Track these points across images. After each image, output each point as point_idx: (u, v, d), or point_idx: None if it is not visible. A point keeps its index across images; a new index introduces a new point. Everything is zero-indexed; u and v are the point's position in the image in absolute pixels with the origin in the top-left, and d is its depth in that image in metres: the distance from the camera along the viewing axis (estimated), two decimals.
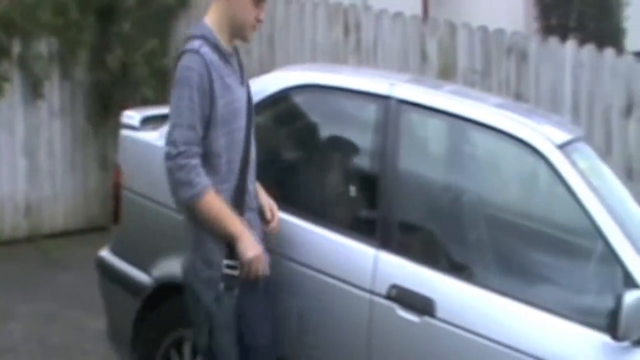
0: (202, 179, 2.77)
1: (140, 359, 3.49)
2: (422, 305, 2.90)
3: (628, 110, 6.39)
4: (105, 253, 3.70)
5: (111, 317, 3.70)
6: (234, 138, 2.86)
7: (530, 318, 2.83)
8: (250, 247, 2.82)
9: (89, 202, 7.46)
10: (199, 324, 2.88)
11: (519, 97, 6.41)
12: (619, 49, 7.38)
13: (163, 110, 3.86)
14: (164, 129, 3.46)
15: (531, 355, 2.75)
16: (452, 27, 6.72)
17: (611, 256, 2.78)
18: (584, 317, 2.78)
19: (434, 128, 3.34)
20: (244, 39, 3.00)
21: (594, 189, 2.90)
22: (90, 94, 7.51)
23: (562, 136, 3.12)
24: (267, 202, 3.05)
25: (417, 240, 3.15)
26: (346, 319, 3.01)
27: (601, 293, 2.88)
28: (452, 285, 2.93)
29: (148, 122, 3.66)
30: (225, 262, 2.81)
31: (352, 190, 3.25)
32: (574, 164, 2.95)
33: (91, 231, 6.98)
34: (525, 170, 3.19)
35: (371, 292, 2.97)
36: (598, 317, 2.73)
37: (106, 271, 3.67)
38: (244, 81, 2.99)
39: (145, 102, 6.98)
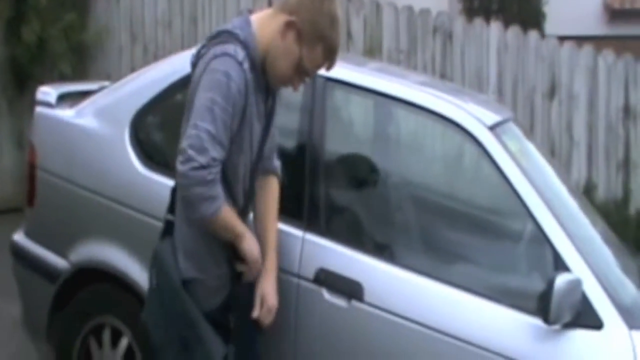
0: (220, 189, 2.51)
1: (57, 348, 3.35)
2: (349, 289, 2.84)
3: (551, 93, 6.50)
4: (19, 237, 3.54)
5: (26, 304, 3.54)
6: (238, 173, 2.62)
7: (458, 301, 2.79)
8: (255, 246, 2.65)
9: (3, 182, 7.18)
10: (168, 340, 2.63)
11: (444, 77, 6.47)
12: (540, 32, 7.54)
13: (81, 86, 3.78)
14: (82, 106, 3.39)
15: (459, 339, 2.72)
16: (377, 6, 6.67)
17: (541, 239, 2.75)
18: (513, 300, 2.75)
19: (361, 107, 3.25)
20: (271, 81, 2.62)
21: (525, 171, 2.87)
22: (4, 69, 7.21)
23: (492, 117, 3.07)
24: (262, 289, 2.71)
25: (344, 222, 3.07)
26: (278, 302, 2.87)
27: (530, 275, 2.86)
28: (380, 269, 2.87)
29: (65, 98, 3.50)
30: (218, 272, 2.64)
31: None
32: (504, 145, 2.91)
33: (5, 212, 6.70)
34: (455, 151, 3.14)
35: (299, 276, 2.90)
36: (527, 299, 2.71)
37: (20, 256, 3.50)
38: (267, 112, 2.65)
39: (62, 78, 6.78)
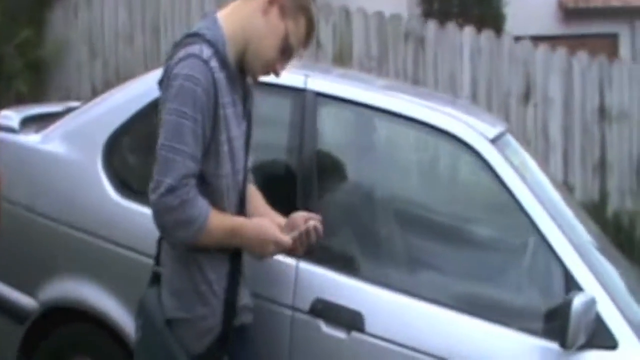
0: (200, 204, 2.33)
1: None
2: (349, 319, 2.69)
3: (526, 97, 6.53)
4: None
5: None
6: (226, 184, 2.42)
7: (466, 327, 2.67)
8: (262, 223, 2.47)
9: None
10: None
11: (416, 83, 6.46)
12: (499, 34, 7.55)
13: (45, 108, 3.58)
14: (49, 130, 3.19)
15: None
16: (346, 13, 6.57)
17: (550, 256, 2.67)
18: (522, 323, 2.66)
19: (354, 122, 3.12)
20: (251, 75, 2.48)
21: (530, 186, 2.77)
22: None
23: (493, 130, 2.97)
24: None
25: (341, 248, 2.93)
26: (267, 340, 2.74)
27: (538, 295, 2.78)
28: (382, 296, 2.73)
29: (28, 122, 3.30)
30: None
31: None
32: (508, 159, 2.81)
33: None
34: (456, 168, 3.07)
35: (293, 308, 2.73)
36: (536, 321, 2.65)
37: None
38: (246, 113, 2.50)
39: (19, 97, 6.55)
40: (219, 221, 2.38)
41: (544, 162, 6.19)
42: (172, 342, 2.40)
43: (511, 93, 6.51)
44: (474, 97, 6.48)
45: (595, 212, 6.49)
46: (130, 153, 3.19)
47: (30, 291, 3.09)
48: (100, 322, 2.94)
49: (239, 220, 2.45)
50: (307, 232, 2.46)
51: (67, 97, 6.29)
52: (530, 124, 6.52)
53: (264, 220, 2.48)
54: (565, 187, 5.43)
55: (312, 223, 2.47)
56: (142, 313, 2.49)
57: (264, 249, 2.44)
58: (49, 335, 3.09)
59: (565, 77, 6.53)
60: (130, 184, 3.03)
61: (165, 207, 2.29)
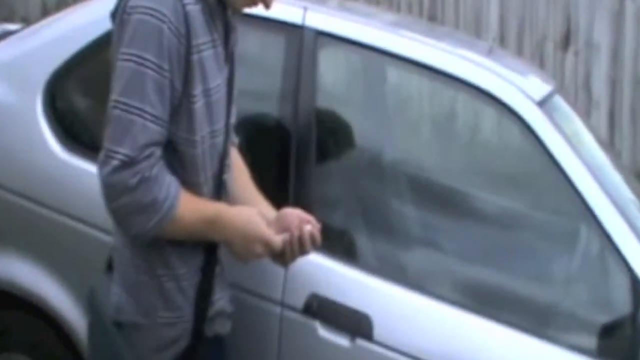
0: (167, 183, 2.24)
1: None
2: (354, 323, 2.68)
3: (565, 41, 6.50)
4: None
5: None
6: (202, 152, 2.35)
7: (500, 340, 2.67)
8: (245, 211, 2.42)
9: None
10: None
11: (433, 20, 6.46)
12: None
13: None
14: None
15: None
16: None
17: (611, 256, 2.65)
18: (570, 337, 2.67)
19: (366, 73, 3.14)
20: (233, 6, 2.40)
21: (587, 163, 2.77)
22: None
23: (540, 89, 2.99)
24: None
25: (344, 229, 2.94)
26: (249, 346, 2.75)
27: (594, 303, 2.79)
28: (396, 296, 2.73)
29: None
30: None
31: None
32: (559, 128, 2.79)
33: None
34: (491, 136, 3.06)
35: (282, 304, 2.73)
36: (590, 336, 2.64)
37: None
38: (228, 56, 2.42)
39: None
40: (192, 207, 2.29)
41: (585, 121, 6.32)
42: (125, 352, 2.35)
43: (547, 36, 6.47)
44: (501, 41, 6.44)
45: None
46: (81, 96, 3.16)
47: None
48: (39, 311, 2.93)
49: (219, 208, 2.37)
50: (300, 239, 2.41)
51: (9, 19, 6.20)
52: (570, 75, 6.50)
53: (252, 211, 2.41)
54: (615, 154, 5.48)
55: (308, 228, 2.41)
56: (90, 309, 2.46)
57: (248, 248, 2.36)
58: None
59: (615, 19, 6.47)
60: (79, 136, 3.00)
61: (118, 187, 2.18)
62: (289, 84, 2.86)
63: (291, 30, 2.87)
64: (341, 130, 3.03)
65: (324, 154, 2.89)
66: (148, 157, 2.19)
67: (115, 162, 2.16)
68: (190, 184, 2.31)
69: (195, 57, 2.25)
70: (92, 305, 2.45)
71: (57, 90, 3.01)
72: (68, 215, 2.87)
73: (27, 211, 2.95)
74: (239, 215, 2.37)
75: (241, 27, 2.53)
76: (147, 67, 2.18)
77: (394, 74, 3.10)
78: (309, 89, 2.84)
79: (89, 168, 2.79)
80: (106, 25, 2.76)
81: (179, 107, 2.26)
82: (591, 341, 2.61)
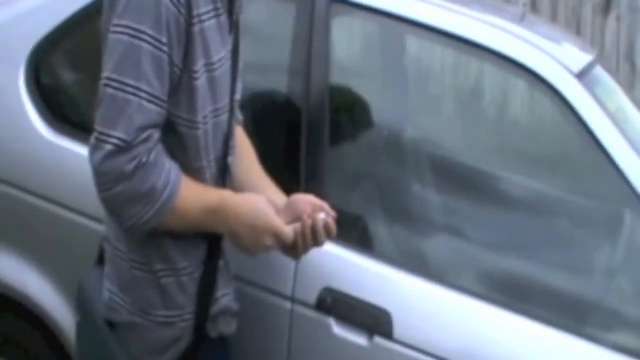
0: (166, 169, 2.20)
1: None
2: (372, 320, 2.66)
3: (606, 6, 6.49)
4: None
5: None
6: (204, 132, 2.30)
7: (535, 339, 2.64)
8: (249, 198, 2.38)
9: None
10: None
11: None
12: None
13: None
14: None
15: None
16: None
17: None
18: (617, 336, 2.66)
19: (386, 44, 3.11)
20: None
21: (632, 143, 2.73)
22: None
23: (578, 59, 2.96)
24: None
25: (360, 217, 2.93)
26: (257, 345, 2.76)
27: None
28: (419, 289, 2.71)
29: None
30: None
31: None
32: (601, 104, 2.76)
33: None
34: (524, 114, 3.11)
35: (293, 299, 2.71)
36: (633, 334, 2.66)
37: None
38: (233, 26, 2.37)
39: None
40: (194, 195, 2.25)
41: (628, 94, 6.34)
42: (118, 354, 2.35)
43: (585, 0, 6.44)
44: (533, 6, 6.44)
45: None
46: (69, 70, 3.15)
47: None
48: (22, 309, 2.94)
49: (223, 196, 2.32)
50: (313, 229, 2.37)
51: None
52: (610, 43, 6.50)
53: (259, 198, 2.37)
54: None
55: (321, 216, 2.37)
56: (79, 305, 2.46)
57: (256, 240, 2.32)
58: None
59: None
60: (67, 114, 2.99)
61: (112, 175, 2.14)
62: (299, 56, 2.85)
63: None
64: (356, 107, 3.02)
65: (337, 134, 2.88)
66: (145, 140, 2.14)
67: (108, 147, 2.12)
68: (191, 169, 2.29)
69: (196, 28, 2.21)
70: (81, 303, 2.44)
71: (41, 64, 3.00)
72: (54, 202, 2.87)
73: (8, 197, 2.95)
74: (245, 203, 2.34)
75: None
76: (142, 40, 2.13)
77: (414, 44, 3.11)
78: (321, 61, 2.82)
79: (78, 150, 2.80)
80: None
81: (179, 85, 2.22)
82: (637, 341, 2.60)
